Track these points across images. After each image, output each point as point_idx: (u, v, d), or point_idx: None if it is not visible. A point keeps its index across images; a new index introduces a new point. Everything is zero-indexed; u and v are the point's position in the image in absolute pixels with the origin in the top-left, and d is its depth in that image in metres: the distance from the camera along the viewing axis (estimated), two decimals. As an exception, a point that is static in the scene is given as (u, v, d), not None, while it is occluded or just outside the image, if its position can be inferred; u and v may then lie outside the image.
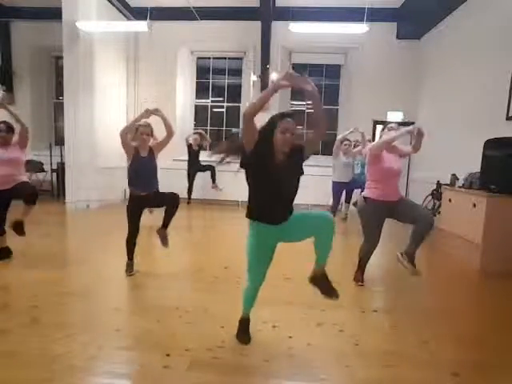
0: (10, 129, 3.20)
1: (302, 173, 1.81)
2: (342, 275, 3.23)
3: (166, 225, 3.08)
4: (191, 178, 6.97)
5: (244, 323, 2.01)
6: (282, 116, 1.74)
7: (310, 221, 1.82)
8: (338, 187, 5.28)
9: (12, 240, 3.26)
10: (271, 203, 1.76)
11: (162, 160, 6.97)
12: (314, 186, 6.90)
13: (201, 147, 6.86)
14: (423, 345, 2.03)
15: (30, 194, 3.14)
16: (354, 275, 3.00)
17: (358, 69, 7.07)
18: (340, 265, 3.60)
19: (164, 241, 3.12)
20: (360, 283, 2.94)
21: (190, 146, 6.79)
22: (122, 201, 6.69)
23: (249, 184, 1.81)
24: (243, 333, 1.99)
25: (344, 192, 5.52)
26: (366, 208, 2.85)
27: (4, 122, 3.19)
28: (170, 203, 3.00)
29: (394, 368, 1.80)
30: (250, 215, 1.82)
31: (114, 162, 6.36)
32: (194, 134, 6.93)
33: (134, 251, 2.99)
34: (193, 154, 6.78)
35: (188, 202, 6.91)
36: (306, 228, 1.82)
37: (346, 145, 5.17)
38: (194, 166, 6.88)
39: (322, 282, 1.90)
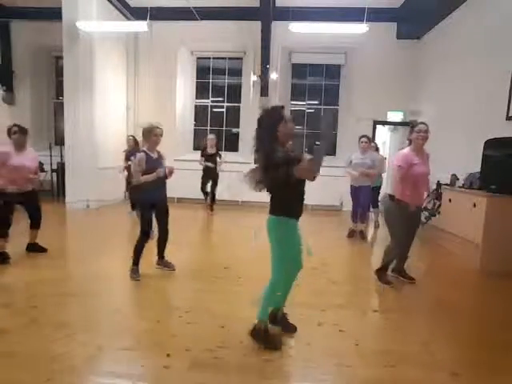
0: (23, 130, 3.20)
1: None
2: (342, 276, 3.24)
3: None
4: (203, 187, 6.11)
5: (282, 316, 2.08)
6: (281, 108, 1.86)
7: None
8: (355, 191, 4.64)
9: (12, 240, 3.26)
10: (301, 199, 1.91)
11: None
12: (318, 186, 6.90)
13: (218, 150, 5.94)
14: (423, 345, 2.03)
15: (37, 221, 3.42)
16: (383, 278, 2.95)
17: (358, 69, 7.07)
18: (340, 265, 3.61)
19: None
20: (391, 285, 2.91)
21: (204, 149, 5.87)
22: (122, 201, 6.69)
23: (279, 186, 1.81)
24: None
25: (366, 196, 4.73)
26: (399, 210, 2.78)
27: (17, 125, 3.19)
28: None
29: (394, 368, 1.80)
30: (284, 213, 1.86)
31: (114, 162, 6.35)
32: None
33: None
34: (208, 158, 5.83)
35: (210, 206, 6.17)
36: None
37: (362, 142, 4.53)
38: (208, 174, 5.94)
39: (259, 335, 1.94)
